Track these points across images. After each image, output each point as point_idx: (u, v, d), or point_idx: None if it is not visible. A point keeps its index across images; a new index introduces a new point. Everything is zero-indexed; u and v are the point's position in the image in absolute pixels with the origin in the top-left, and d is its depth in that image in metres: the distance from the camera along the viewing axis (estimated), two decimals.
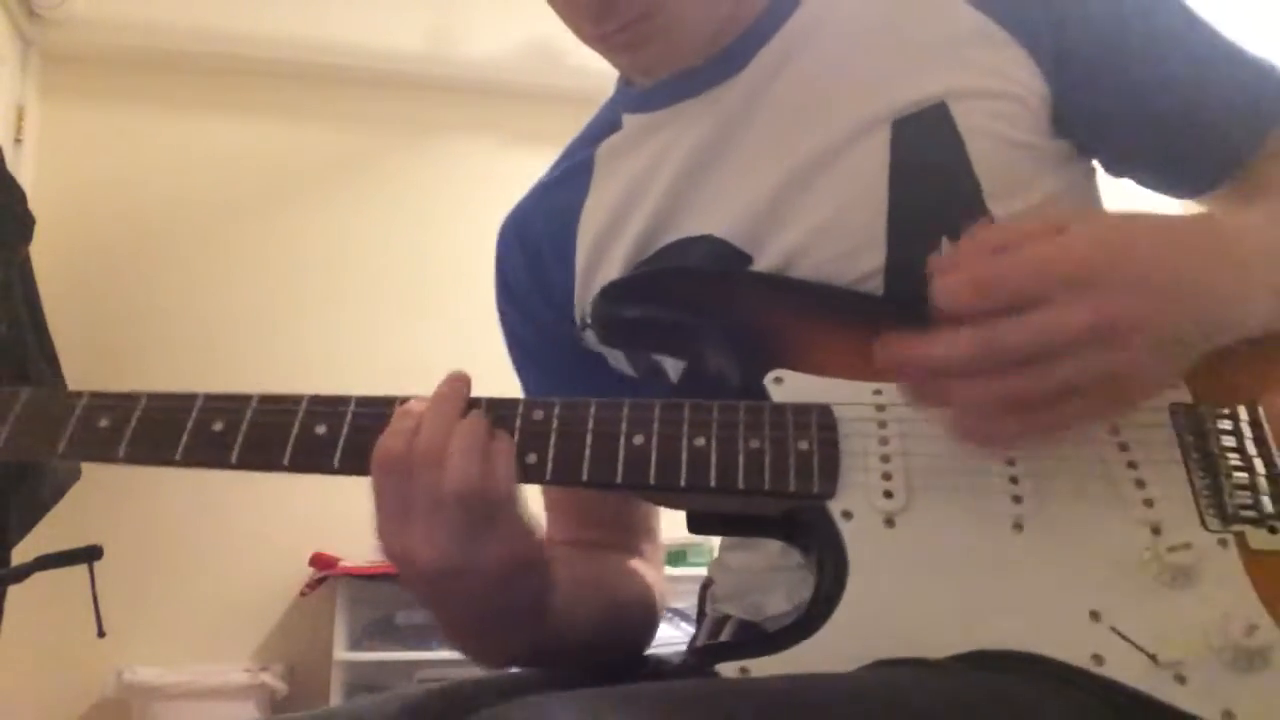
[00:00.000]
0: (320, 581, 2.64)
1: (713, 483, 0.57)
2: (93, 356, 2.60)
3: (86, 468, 2.32)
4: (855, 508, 0.56)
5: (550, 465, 0.58)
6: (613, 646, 0.75)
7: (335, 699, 2.54)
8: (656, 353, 0.74)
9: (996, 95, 0.69)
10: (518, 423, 0.59)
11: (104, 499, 2.34)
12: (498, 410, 0.60)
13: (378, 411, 0.60)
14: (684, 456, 0.57)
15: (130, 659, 2.53)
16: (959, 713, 0.47)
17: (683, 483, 0.57)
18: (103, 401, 0.62)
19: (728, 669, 0.53)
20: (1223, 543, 0.54)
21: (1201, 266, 0.55)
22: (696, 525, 0.65)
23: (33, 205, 2.31)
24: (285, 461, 0.59)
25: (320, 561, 2.67)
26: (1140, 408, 0.57)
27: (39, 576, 1.54)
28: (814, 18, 0.75)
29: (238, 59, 3.01)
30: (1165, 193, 0.75)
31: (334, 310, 2.95)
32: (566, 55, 2.98)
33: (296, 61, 3.05)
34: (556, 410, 0.59)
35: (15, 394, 0.62)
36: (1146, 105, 0.70)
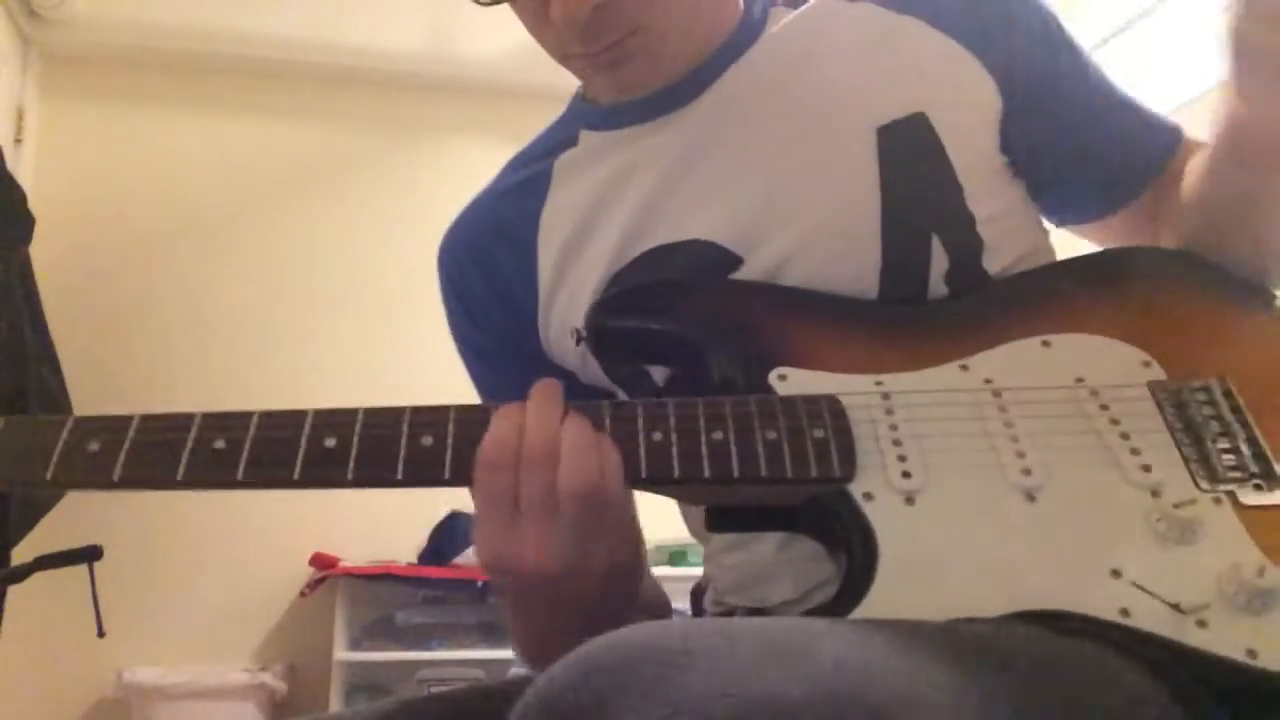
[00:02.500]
0: (320, 581, 2.64)
1: (736, 473, 0.57)
2: (93, 356, 2.60)
3: None
4: (875, 489, 0.58)
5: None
6: None
7: (335, 699, 2.54)
8: (653, 363, 0.75)
9: (966, 107, 0.74)
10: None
11: (104, 499, 2.33)
12: None
13: (389, 420, 0.59)
14: (704, 450, 0.58)
15: (130, 659, 2.53)
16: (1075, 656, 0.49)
17: (706, 474, 0.58)
18: (91, 425, 0.59)
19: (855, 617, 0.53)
20: (1217, 500, 0.58)
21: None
22: (719, 523, 0.65)
23: (33, 205, 2.31)
24: (295, 476, 0.58)
25: (320, 561, 2.67)
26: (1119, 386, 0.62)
27: (39, 576, 1.54)
28: (782, 40, 0.77)
29: (238, 59, 3.02)
30: (1056, 220, 0.82)
31: (334, 310, 2.95)
32: None
33: (296, 61, 3.05)
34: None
35: None
36: (1075, 126, 0.77)
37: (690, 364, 0.69)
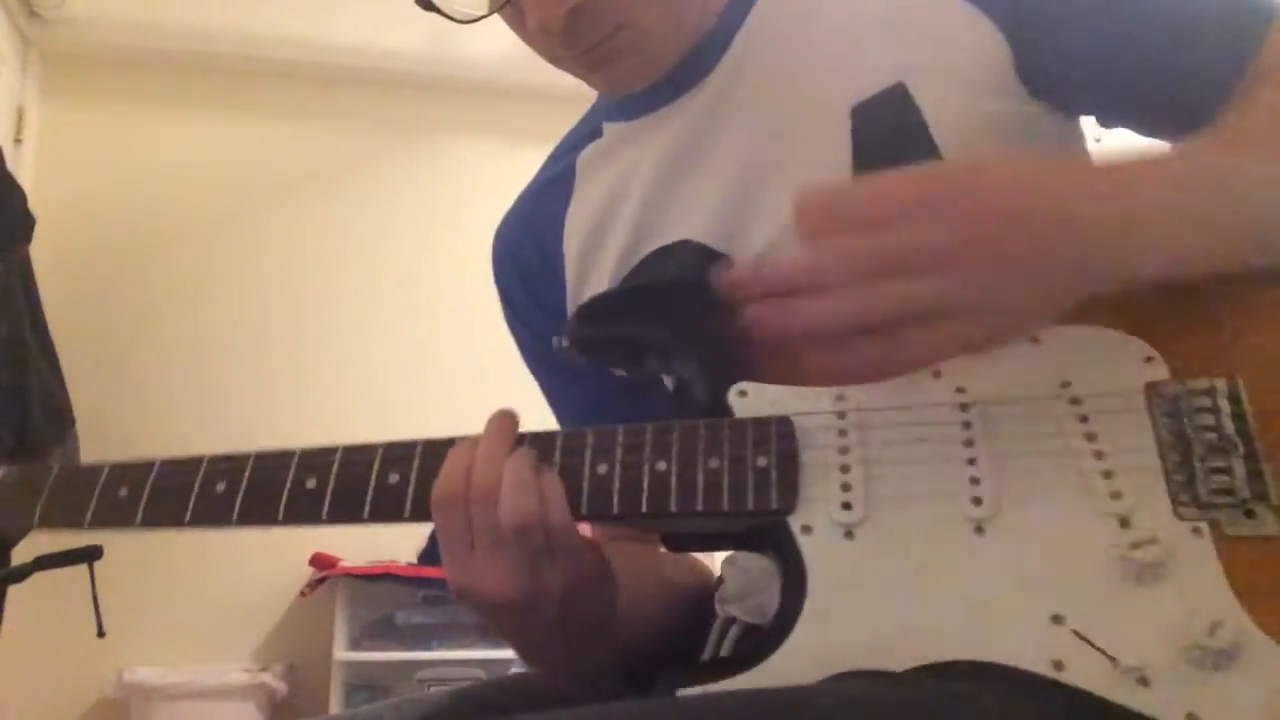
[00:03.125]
0: (320, 581, 2.64)
1: (673, 507, 0.57)
2: (93, 356, 2.60)
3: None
4: (815, 522, 0.56)
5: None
6: (677, 629, 0.76)
7: (335, 699, 2.54)
8: (632, 370, 0.74)
9: (954, 64, 0.68)
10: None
11: None
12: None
13: (364, 458, 0.62)
14: (645, 482, 0.58)
15: (130, 659, 2.53)
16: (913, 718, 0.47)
17: (644, 509, 0.58)
18: (122, 472, 0.65)
19: (690, 694, 0.53)
20: (1196, 531, 0.52)
21: (1069, 207, 0.53)
22: (674, 544, 0.66)
23: (33, 205, 2.31)
24: (279, 518, 0.62)
25: (320, 561, 2.66)
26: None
27: (39, 576, 1.53)
28: (768, 17, 0.76)
29: (238, 59, 3.02)
30: (1157, 136, 0.71)
31: (333, 309, 2.95)
32: None
33: (296, 61, 3.05)
34: (525, 443, 0.61)
35: (47, 470, 0.68)
36: (1120, 43, 0.67)
37: (666, 373, 0.69)
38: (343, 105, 3.14)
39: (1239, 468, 0.53)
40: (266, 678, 2.58)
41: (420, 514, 0.60)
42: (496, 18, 0.75)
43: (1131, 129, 0.72)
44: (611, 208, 0.77)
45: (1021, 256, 0.51)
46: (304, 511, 0.62)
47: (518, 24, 0.72)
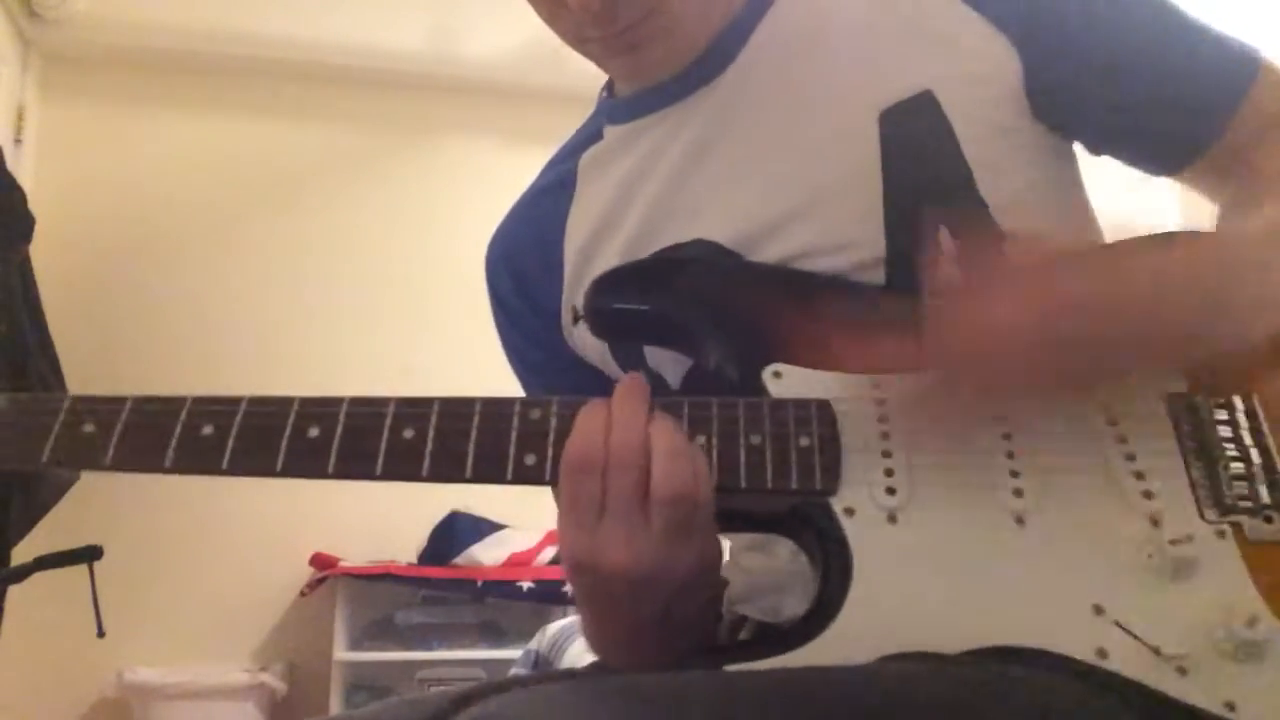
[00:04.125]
0: (320, 581, 2.64)
1: (715, 482, 0.56)
2: (93, 356, 2.59)
3: None
4: (858, 504, 0.56)
5: (549, 465, 0.57)
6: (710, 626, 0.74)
7: (335, 699, 2.54)
8: (650, 345, 0.73)
9: (978, 79, 0.69)
10: (515, 421, 0.58)
11: (104, 499, 2.34)
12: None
13: (374, 412, 0.58)
14: None
15: (130, 659, 2.53)
16: (969, 700, 0.47)
17: None
18: (87, 406, 0.59)
19: (745, 669, 0.52)
20: (1220, 534, 0.54)
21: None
22: None
23: (33, 205, 2.31)
24: (278, 466, 0.57)
25: (320, 561, 2.67)
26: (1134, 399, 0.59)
27: (39, 576, 1.54)
28: (788, 18, 0.75)
29: (238, 59, 3.01)
30: (1144, 170, 0.74)
31: (334, 310, 2.95)
32: (567, 55, 2.97)
33: (296, 61, 3.05)
34: (554, 409, 0.58)
35: None
36: (1112, 80, 0.70)
37: (690, 350, 0.68)
38: (343, 105, 3.14)
39: (1258, 476, 0.56)
40: (266, 678, 2.58)
41: (439, 475, 0.56)
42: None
43: (1118, 159, 0.74)
44: (615, 208, 0.76)
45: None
46: (307, 464, 0.57)
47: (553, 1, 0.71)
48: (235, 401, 0.59)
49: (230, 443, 0.57)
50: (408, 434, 0.57)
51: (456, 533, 2.70)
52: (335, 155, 3.13)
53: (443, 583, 2.64)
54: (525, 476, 0.57)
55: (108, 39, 2.92)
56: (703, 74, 0.75)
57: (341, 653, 2.58)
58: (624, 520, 0.54)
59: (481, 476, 0.57)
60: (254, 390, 0.63)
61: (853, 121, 0.69)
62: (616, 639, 0.62)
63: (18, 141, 2.76)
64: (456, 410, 0.58)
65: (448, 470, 0.57)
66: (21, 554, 1.91)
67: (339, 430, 0.57)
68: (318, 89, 3.12)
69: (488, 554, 2.65)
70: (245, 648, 2.74)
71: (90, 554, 1.50)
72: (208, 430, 0.58)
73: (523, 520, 2.70)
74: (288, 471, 0.57)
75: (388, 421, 0.57)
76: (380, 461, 0.57)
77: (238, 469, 0.57)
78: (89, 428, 0.58)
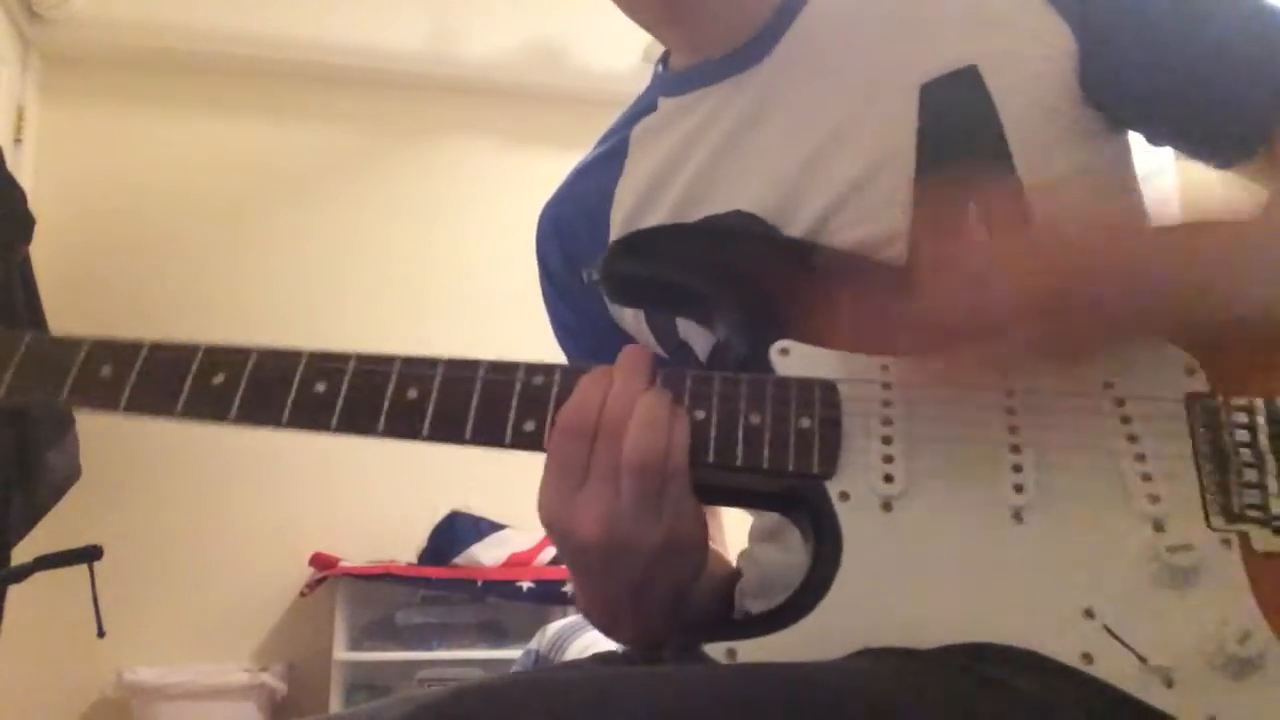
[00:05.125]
0: (320, 581, 2.64)
1: (710, 458, 0.56)
2: None
3: (87, 467, 2.32)
4: (853, 490, 0.55)
5: (548, 432, 0.57)
6: (714, 615, 0.74)
7: (335, 699, 2.54)
8: (665, 311, 0.74)
9: (1029, 57, 0.68)
10: (517, 387, 0.58)
11: (104, 499, 2.34)
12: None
13: (379, 370, 0.58)
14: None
15: (130, 659, 2.53)
16: (939, 704, 0.46)
17: None
18: (106, 350, 0.62)
19: (715, 650, 0.52)
20: (1225, 542, 0.53)
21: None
22: (700, 496, 0.64)
23: (33, 205, 2.31)
24: (283, 419, 0.58)
25: (320, 561, 2.67)
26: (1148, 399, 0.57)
27: (39, 576, 1.54)
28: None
29: (238, 59, 3.02)
30: (1202, 161, 0.72)
31: (334, 310, 2.95)
32: (567, 55, 2.98)
33: (297, 61, 3.05)
34: (557, 376, 0.58)
35: (18, 338, 0.63)
36: (1170, 67, 0.68)
37: (703, 321, 0.67)
38: (343, 105, 3.14)
39: (1272, 485, 0.54)
40: (266, 678, 2.58)
41: (439, 436, 0.57)
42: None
43: (1177, 150, 0.72)
44: (662, 178, 0.77)
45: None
46: (311, 418, 0.57)
47: None
48: (246, 351, 0.61)
49: (238, 394, 0.59)
50: (411, 394, 0.58)
51: (456, 533, 2.70)
52: (335, 155, 3.13)
53: (443, 583, 2.64)
54: (523, 442, 0.57)
55: (108, 39, 2.92)
56: (756, 51, 0.76)
57: (341, 653, 2.58)
58: (599, 487, 0.55)
59: (480, 440, 0.57)
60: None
61: (894, 94, 0.69)
62: (592, 599, 0.62)
63: (18, 141, 2.76)
64: (461, 373, 0.58)
65: (447, 432, 0.57)
66: (21, 554, 1.91)
67: (344, 387, 0.58)
68: (318, 89, 3.12)
69: (488, 554, 2.65)
70: (245, 648, 2.74)
71: (90, 554, 1.51)
72: (218, 379, 0.59)
73: (523, 520, 2.70)
74: (292, 424, 0.58)
75: (393, 380, 0.58)
76: (383, 420, 0.57)
77: (245, 419, 0.58)
78: (106, 371, 0.60)
